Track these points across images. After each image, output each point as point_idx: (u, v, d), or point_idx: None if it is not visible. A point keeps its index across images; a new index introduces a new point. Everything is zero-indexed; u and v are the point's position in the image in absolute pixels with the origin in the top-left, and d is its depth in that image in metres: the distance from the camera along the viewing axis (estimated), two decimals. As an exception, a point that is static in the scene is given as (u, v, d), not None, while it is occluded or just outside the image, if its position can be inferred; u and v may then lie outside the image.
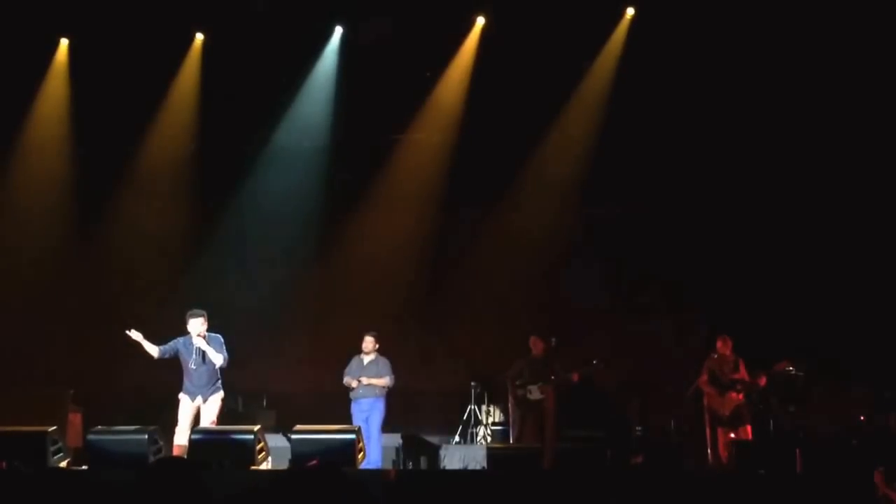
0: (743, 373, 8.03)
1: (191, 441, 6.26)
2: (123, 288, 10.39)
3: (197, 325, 6.91)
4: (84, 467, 6.14)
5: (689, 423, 8.86)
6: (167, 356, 6.99)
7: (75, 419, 8.88)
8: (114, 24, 8.42)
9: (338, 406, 8.26)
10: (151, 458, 5.92)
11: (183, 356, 6.94)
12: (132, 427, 6.34)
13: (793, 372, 8.73)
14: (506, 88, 9.10)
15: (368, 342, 8.15)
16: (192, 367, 6.88)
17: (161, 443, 6.17)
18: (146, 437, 6.01)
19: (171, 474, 2.82)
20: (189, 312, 6.99)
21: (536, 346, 8.81)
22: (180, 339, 6.97)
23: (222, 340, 7.01)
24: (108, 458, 5.92)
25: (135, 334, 6.85)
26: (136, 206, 10.23)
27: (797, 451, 6.33)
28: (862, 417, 8.71)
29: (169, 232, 10.58)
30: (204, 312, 7.02)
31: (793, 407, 8.62)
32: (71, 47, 8.74)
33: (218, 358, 6.84)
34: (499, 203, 10.21)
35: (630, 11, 8.26)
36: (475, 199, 10.24)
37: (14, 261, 9.80)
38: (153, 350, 6.94)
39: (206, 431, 6.47)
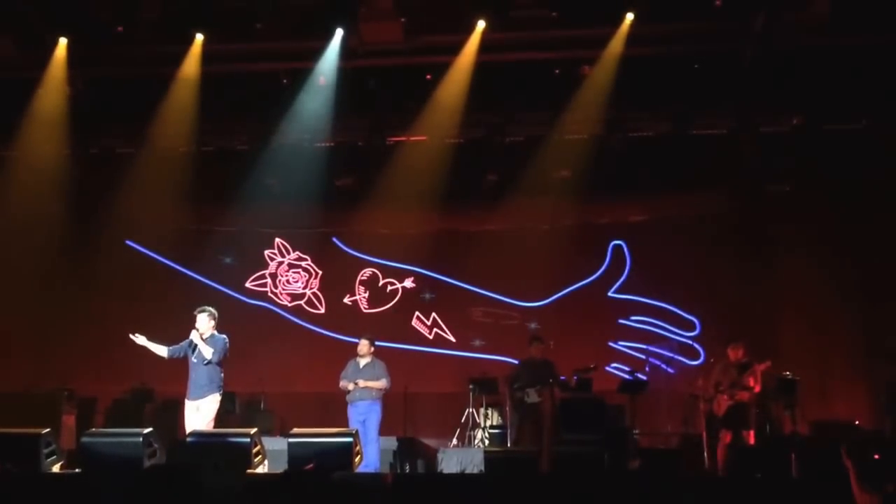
0: (757, 380, 7.93)
1: (187, 444, 6.17)
2: (121, 288, 10.31)
3: (199, 321, 6.89)
4: (78, 470, 6.03)
5: (688, 426, 8.82)
6: (178, 356, 6.95)
7: (69, 421, 8.78)
8: (114, 22, 8.33)
9: (335, 409, 8.18)
10: (146, 461, 5.83)
11: (187, 352, 6.93)
12: (127, 430, 6.24)
13: (790, 375, 8.69)
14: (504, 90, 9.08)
15: (363, 346, 8.08)
16: (194, 360, 6.87)
17: (156, 445, 6.06)
18: (141, 439, 5.90)
19: (164, 480, 2.76)
20: (197, 308, 6.99)
21: (535, 349, 8.74)
22: (187, 339, 6.95)
23: (226, 342, 6.96)
24: (103, 460, 5.80)
25: (139, 338, 6.80)
26: (134, 206, 10.14)
27: (792, 455, 6.26)
28: (857, 421, 8.68)
29: (167, 231, 10.51)
30: (210, 310, 6.99)
31: (789, 411, 8.58)
32: (69, 46, 8.63)
33: (207, 351, 6.78)
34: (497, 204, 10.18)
35: (630, 16, 8.21)
36: (477, 200, 10.21)
37: (9, 260, 9.69)
38: (161, 350, 6.91)
39: (202, 434, 6.37)
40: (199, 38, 8.56)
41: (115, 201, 10.06)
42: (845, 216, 9.75)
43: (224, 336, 6.99)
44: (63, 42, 8.60)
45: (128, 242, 10.70)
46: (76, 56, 8.71)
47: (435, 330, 10.62)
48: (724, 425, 7.76)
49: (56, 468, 6.07)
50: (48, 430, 6.15)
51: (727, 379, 7.91)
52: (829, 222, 9.81)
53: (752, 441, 7.77)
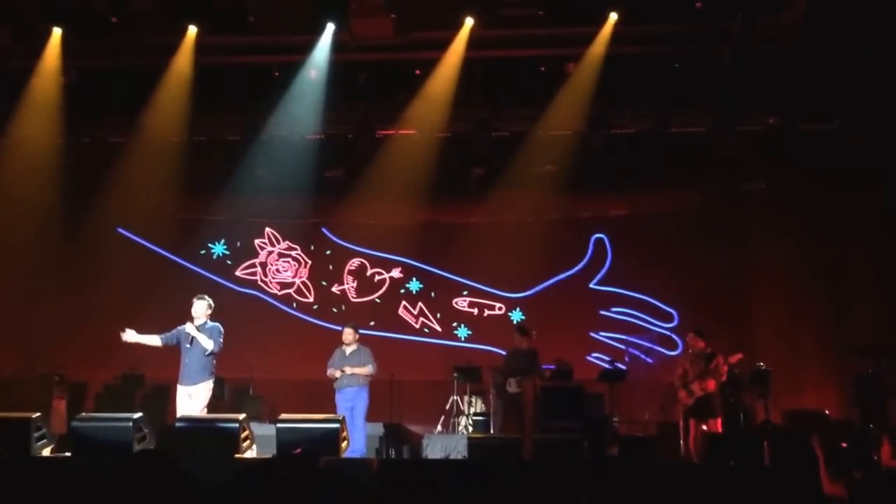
0: (720, 367, 7.95)
1: (176, 429, 6.10)
2: (112, 275, 10.18)
3: (195, 309, 6.80)
4: (68, 454, 5.95)
5: (665, 415, 8.86)
6: (172, 343, 6.85)
7: (60, 405, 8.67)
8: (108, 13, 8.20)
9: (323, 395, 8.13)
10: (136, 446, 5.76)
11: (180, 341, 6.83)
12: (117, 414, 6.17)
13: (763, 366, 8.73)
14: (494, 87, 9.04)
15: (348, 334, 8.00)
16: (187, 346, 6.77)
17: (146, 430, 5.98)
18: (131, 424, 5.82)
19: (150, 468, 2.70)
20: (197, 295, 6.91)
21: (517, 340, 8.70)
22: (181, 327, 6.84)
23: (221, 331, 6.88)
24: (93, 445, 5.73)
25: (130, 335, 6.65)
26: (127, 194, 10.01)
27: (765, 443, 6.29)
28: (827, 411, 8.75)
29: (159, 220, 10.39)
30: (209, 300, 6.90)
31: (762, 400, 8.63)
32: (64, 36, 8.47)
33: (208, 343, 6.71)
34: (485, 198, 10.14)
35: (613, 16, 8.19)
36: (463, 193, 10.17)
37: (2, 247, 9.54)
38: (154, 340, 6.81)
39: (191, 420, 6.30)
40: (193, 30, 8.44)
41: (108, 190, 9.93)
42: (818, 214, 9.83)
43: (217, 324, 6.91)
44: (57, 32, 8.45)
45: (119, 230, 10.58)
46: (70, 46, 8.55)
47: (421, 319, 10.60)
48: (692, 415, 7.77)
49: (46, 452, 5.99)
50: (39, 414, 6.07)
51: (695, 369, 7.88)
52: (803, 219, 9.89)
53: (719, 428, 7.79)
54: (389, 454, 8.10)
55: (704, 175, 9.78)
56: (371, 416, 8.02)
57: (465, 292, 10.56)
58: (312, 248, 10.84)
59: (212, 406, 6.99)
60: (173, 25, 8.38)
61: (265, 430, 6.82)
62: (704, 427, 7.73)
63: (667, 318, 10.17)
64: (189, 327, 6.75)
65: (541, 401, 8.30)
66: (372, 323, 10.26)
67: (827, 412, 8.66)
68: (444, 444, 8.14)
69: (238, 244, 10.80)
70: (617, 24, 8.21)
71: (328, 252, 10.81)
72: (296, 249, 10.86)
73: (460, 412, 9.15)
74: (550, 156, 9.63)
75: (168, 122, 9.23)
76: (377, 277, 10.72)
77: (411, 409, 9.44)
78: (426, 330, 10.56)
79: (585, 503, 4.72)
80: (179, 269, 10.55)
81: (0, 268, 9.63)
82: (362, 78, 9.06)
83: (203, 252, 10.72)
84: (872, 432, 7.40)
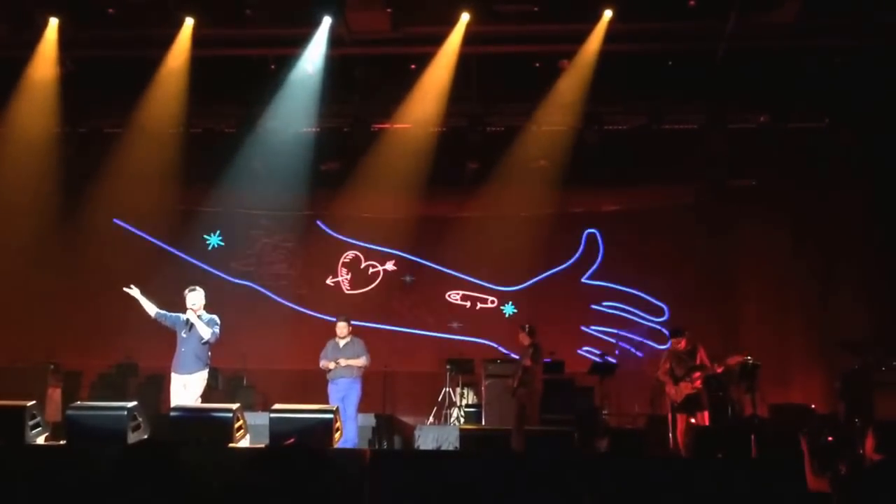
0: (704, 359, 7.95)
1: (170, 418, 6.07)
2: (108, 265, 10.12)
3: (192, 299, 6.75)
4: (62, 442, 5.92)
5: (654, 408, 8.88)
6: (162, 321, 6.81)
7: (55, 394, 8.62)
8: (105, 4, 8.13)
9: (315, 386, 8.11)
10: (130, 435, 5.73)
11: (177, 328, 6.79)
12: (112, 403, 6.13)
13: (750, 361, 8.76)
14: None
15: (342, 328, 7.95)
16: (183, 335, 6.73)
17: (140, 419, 5.95)
18: (125, 413, 5.79)
19: (147, 456, 2.67)
20: (189, 287, 6.86)
21: (522, 336, 8.61)
22: (180, 314, 6.80)
23: (218, 321, 6.85)
24: (87, 433, 5.69)
25: (132, 290, 6.73)
26: (122, 185, 9.95)
27: (752, 436, 6.31)
28: (812, 406, 8.80)
29: (154, 211, 10.34)
30: (200, 290, 6.86)
31: (750, 394, 8.66)
32: (60, 27, 8.40)
33: (206, 332, 6.67)
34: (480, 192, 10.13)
35: (608, 13, 8.18)
36: (457, 187, 10.15)
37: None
38: (150, 308, 6.79)
39: (185, 409, 6.27)
40: (189, 21, 8.38)
41: (104, 180, 9.86)
42: (807, 211, 9.86)
43: (215, 316, 6.88)
44: (54, 22, 8.37)
45: (115, 221, 10.51)
46: (67, 36, 8.48)
47: (414, 311, 10.58)
48: (682, 410, 7.79)
49: (41, 440, 5.95)
50: (34, 402, 6.01)
51: (682, 368, 7.87)
52: (792, 217, 9.92)
53: (706, 422, 7.81)
54: (382, 445, 8.10)
55: (696, 172, 9.80)
56: (364, 408, 8.01)
57: (458, 285, 10.55)
58: (307, 240, 10.80)
59: (206, 396, 6.96)
60: (170, 17, 8.32)
61: (259, 420, 6.79)
62: (693, 420, 7.75)
63: (657, 312, 10.19)
64: (189, 314, 6.71)
65: (534, 395, 8.27)
66: (366, 315, 10.22)
67: (813, 406, 8.70)
68: (436, 435, 8.15)
69: (234, 235, 10.75)
70: (611, 22, 8.19)
71: (323, 244, 10.77)
72: (291, 241, 10.82)
73: (452, 404, 9.16)
74: (544, 151, 9.62)
75: (164, 113, 9.18)
76: (371, 270, 10.69)
77: (404, 401, 9.45)
78: (419, 322, 10.55)
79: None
80: (175, 259, 10.50)
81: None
82: (358, 72, 9.02)
83: (198, 243, 10.66)
84: (858, 426, 7.44)
